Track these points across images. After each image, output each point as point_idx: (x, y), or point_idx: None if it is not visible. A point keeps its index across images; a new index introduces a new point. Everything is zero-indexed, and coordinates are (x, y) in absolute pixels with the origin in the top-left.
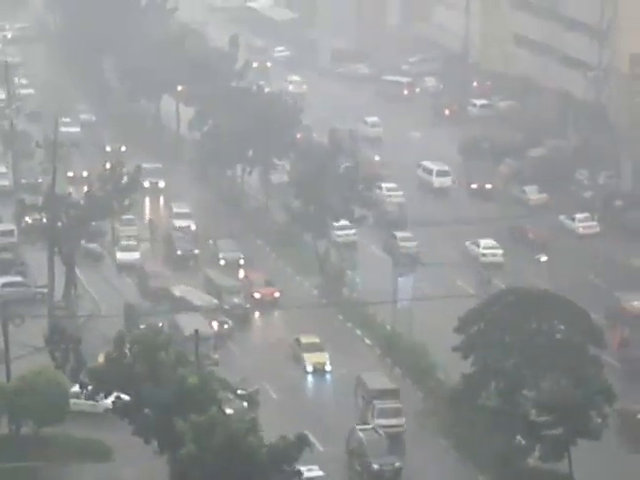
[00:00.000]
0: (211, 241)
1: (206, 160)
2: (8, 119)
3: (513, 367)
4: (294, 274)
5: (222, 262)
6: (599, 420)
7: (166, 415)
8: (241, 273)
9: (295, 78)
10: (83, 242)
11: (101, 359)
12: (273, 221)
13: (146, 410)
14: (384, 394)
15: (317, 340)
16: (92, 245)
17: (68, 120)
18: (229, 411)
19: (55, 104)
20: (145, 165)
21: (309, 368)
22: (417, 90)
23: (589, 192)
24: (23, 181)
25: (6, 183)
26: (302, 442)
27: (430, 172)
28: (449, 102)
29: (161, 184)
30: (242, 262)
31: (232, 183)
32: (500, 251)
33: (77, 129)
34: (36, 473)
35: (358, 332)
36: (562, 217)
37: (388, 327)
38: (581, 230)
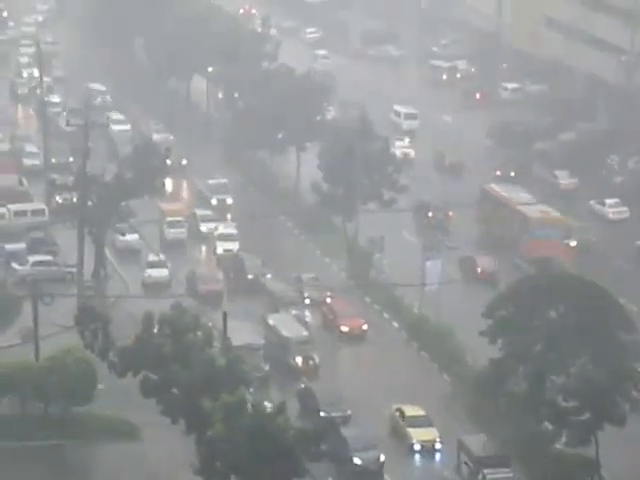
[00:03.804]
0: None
1: (236, 141)
2: (40, 100)
3: (541, 352)
4: (322, 256)
5: (307, 301)
6: (626, 406)
7: (194, 395)
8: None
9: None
10: (122, 233)
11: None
12: (303, 203)
13: (174, 390)
14: (494, 462)
15: (423, 412)
16: (132, 237)
17: (121, 117)
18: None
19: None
20: (211, 181)
21: (417, 447)
22: (457, 75)
23: (619, 177)
24: (53, 161)
25: (37, 162)
26: (331, 425)
27: (399, 115)
28: (479, 85)
29: (229, 201)
30: (329, 300)
31: (262, 165)
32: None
33: (127, 127)
34: (64, 452)
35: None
36: (592, 202)
37: (415, 310)
38: (611, 215)
